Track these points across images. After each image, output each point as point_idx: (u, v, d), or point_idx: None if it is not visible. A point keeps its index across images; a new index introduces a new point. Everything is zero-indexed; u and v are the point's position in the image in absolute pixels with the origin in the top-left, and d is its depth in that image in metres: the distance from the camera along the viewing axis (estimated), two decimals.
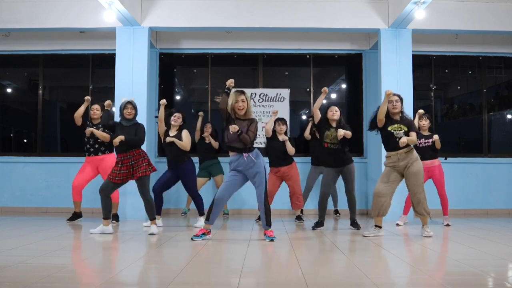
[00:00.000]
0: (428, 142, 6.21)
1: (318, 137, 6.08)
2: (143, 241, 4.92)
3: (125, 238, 5.06)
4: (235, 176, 4.86)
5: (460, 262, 3.72)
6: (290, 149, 6.38)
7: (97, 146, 6.26)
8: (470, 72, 8.70)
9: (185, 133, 6.00)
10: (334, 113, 5.69)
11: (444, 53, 8.31)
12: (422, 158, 6.18)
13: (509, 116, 8.78)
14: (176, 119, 6.02)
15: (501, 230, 5.83)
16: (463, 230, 5.80)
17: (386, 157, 5.19)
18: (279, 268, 3.77)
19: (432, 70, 8.36)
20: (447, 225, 6.16)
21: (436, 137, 6.15)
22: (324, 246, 4.62)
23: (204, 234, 4.84)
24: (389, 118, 5.13)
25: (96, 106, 6.37)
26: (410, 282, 3.22)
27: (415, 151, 5.14)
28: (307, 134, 7.08)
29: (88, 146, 6.27)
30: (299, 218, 6.60)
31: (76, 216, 6.37)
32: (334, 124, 5.70)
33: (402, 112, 5.16)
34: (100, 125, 6.21)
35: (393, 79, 7.04)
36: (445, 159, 7.87)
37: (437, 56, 8.35)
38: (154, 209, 5.37)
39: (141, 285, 3.17)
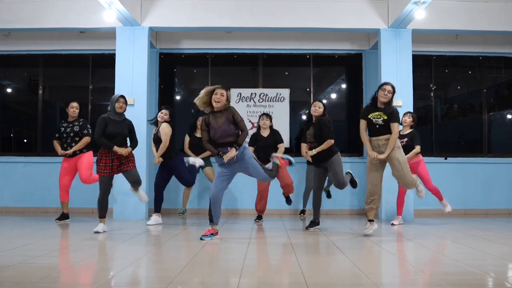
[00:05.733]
0: (403, 142, 6.11)
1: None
2: (143, 241, 4.92)
3: (125, 238, 5.06)
4: (225, 171, 4.80)
5: (460, 262, 3.72)
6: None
7: (73, 145, 6.27)
8: (470, 72, 8.70)
9: (161, 128, 6.09)
10: (317, 110, 5.65)
11: (444, 53, 8.31)
12: None
13: (509, 116, 8.79)
14: (163, 115, 6.14)
15: (501, 230, 5.83)
16: (463, 230, 5.80)
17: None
18: (279, 268, 3.77)
19: (432, 70, 8.36)
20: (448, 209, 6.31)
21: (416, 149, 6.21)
22: (324, 246, 4.62)
23: (212, 234, 4.85)
24: (374, 106, 5.15)
25: (75, 104, 6.38)
26: (410, 282, 3.22)
27: (397, 140, 5.13)
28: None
29: (65, 146, 6.31)
30: (288, 199, 6.57)
31: (64, 216, 6.38)
32: (314, 120, 5.70)
33: (389, 103, 5.13)
34: (76, 124, 6.29)
35: (393, 79, 7.00)
36: (445, 159, 7.88)
37: (437, 56, 8.35)
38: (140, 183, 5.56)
39: (141, 285, 3.17)
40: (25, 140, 9.13)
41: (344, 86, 8.71)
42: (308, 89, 8.36)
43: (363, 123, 5.19)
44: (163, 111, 6.18)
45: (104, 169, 5.29)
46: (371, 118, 5.10)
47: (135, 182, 5.46)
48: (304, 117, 8.61)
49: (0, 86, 8.74)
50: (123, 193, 6.57)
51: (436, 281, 3.12)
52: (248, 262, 3.73)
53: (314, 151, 5.56)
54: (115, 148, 5.31)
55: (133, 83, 6.99)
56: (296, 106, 8.52)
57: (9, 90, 8.95)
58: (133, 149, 5.55)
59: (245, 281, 3.07)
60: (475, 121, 8.48)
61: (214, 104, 4.74)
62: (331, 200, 7.55)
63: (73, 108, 6.36)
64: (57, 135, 6.41)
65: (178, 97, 8.80)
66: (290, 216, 7.32)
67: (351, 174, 5.89)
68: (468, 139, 8.84)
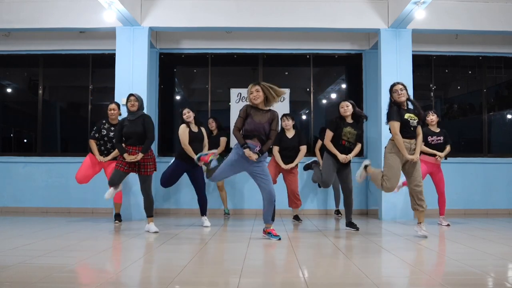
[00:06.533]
0: (440, 140, 6.24)
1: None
2: (144, 240, 4.92)
3: (126, 238, 5.06)
4: (236, 161, 4.82)
5: (460, 262, 3.72)
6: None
7: (111, 150, 6.17)
8: (470, 72, 8.70)
9: (205, 131, 6.15)
10: (346, 109, 5.62)
11: (444, 53, 8.31)
12: (434, 154, 6.21)
13: (509, 116, 8.78)
14: (189, 114, 5.99)
15: (501, 230, 5.83)
16: (463, 230, 5.80)
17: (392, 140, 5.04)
18: (279, 268, 3.77)
19: (432, 70, 8.36)
20: (448, 225, 6.15)
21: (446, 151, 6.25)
22: (324, 246, 4.62)
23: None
24: (399, 108, 5.04)
25: (113, 106, 6.26)
26: (410, 282, 3.22)
27: None
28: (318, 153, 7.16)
29: (102, 148, 6.21)
30: (296, 218, 6.60)
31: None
32: (349, 120, 5.65)
33: (408, 98, 5.09)
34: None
35: (393, 79, 6.99)
36: (445, 159, 7.87)
37: (437, 56, 8.35)
38: (153, 206, 5.45)
39: (141, 285, 3.16)
40: (25, 140, 9.13)
41: (344, 86, 8.71)
42: (308, 89, 8.36)
43: (397, 125, 4.97)
44: (184, 111, 6.01)
45: (122, 164, 5.28)
46: (408, 119, 4.99)
47: (142, 189, 5.35)
48: (304, 117, 8.61)
49: (0, 86, 8.74)
50: (123, 194, 6.57)
51: (436, 281, 3.12)
52: (248, 262, 3.73)
53: (350, 156, 5.57)
54: (125, 155, 5.26)
55: (133, 83, 6.99)
56: (296, 106, 8.52)
57: (9, 90, 8.95)
58: (146, 148, 5.28)
59: (245, 281, 3.07)
60: (475, 121, 8.48)
61: (253, 101, 4.78)
62: (331, 200, 7.59)
63: (111, 110, 6.20)
64: (96, 135, 6.16)
65: (178, 97, 8.80)
66: (289, 216, 7.31)
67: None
68: (468, 139, 8.84)
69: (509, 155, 8.19)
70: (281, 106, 8.02)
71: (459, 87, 8.97)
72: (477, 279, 3.21)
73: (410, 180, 5.06)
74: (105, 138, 6.17)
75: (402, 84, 5.11)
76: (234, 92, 8.08)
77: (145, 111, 6.84)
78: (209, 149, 6.92)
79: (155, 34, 7.96)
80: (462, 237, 5.16)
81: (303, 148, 6.54)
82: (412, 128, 5.02)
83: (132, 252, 4.33)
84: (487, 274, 3.38)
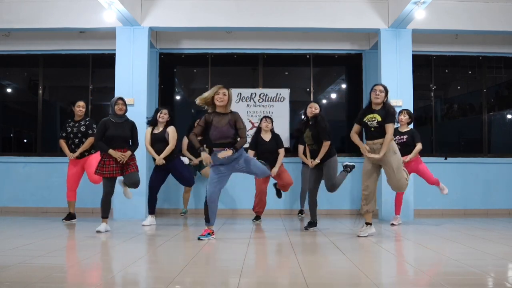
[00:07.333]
0: (403, 139, 6.18)
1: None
2: (143, 241, 4.93)
3: (125, 238, 5.06)
4: (220, 171, 4.78)
5: (460, 262, 3.72)
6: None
7: (80, 145, 6.23)
8: (470, 72, 8.70)
9: (171, 131, 6.04)
10: (313, 111, 5.65)
11: (444, 53, 8.31)
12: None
13: (509, 116, 8.79)
14: (163, 115, 6.08)
15: (501, 230, 5.83)
16: (463, 230, 5.81)
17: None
18: (279, 268, 3.77)
19: (432, 70, 8.36)
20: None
21: (418, 148, 6.17)
22: (324, 246, 4.62)
23: (209, 234, 4.83)
24: (369, 109, 5.08)
25: (82, 104, 6.33)
26: (410, 282, 3.22)
27: (393, 143, 5.05)
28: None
29: (73, 146, 6.27)
30: (279, 192, 6.61)
31: (71, 216, 6.36)
32: (311, 121, 5.69)
33: (384, 103, 5.03)
34: (83, 124, 6.25)
35: (393, 79, 7.05)
36: (445, 159, 7.88)
37: (437, 56, 8.35)
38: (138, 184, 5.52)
39: (141, 285, 3.17)
40: (25, 140, 9.13)
41: (344, 86, 8.72)
42: (308, 89, 8.36)
43: (356, 127, 5.16)
44: (162, 111, 6.10)
45: (107, 170, 5.32)
46: (366, 121, 5.01)
47: (133, 184, 5.45)
48: (303, 116, 8.61)
49: (0, 86, 8.74)
50: (122, 194, 6.56)
51: (436, 281, 3.12)
52: (248, 262, 3.73)
53: (317, 160, 5.53)
54: (110, 151, 5.31)
55: (133, 83, 6.99)
56: (296, 106, 8.51)
57: (9, 90, 8.95)
58: (133, 151, 5.49)
59: (245, 281, 3.07)
60: (475, 121, 8.48)
61: (217, 103, 4.74)
62: (330, 200, 7.58)
63: (80, 107, 6.29)
64: (63, 134, 6.31)
65: (178, 97, 8.81)
66: (288, 216, 7.32)
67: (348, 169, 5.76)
68: (468, 139, 8.84)
69: (509, 155, 8.19)
70: (281, 106, 8.04)
71: (459, 87, 8.97)
72: (477, 279, 3.21)
73: (389, 179, 5.05)
74: (71, 135, 6.26)
75: (384, 87, 5.07)
76: (234, 92, 8.05)
77: (145, 111, 6.92)
78: (192, 154, 6.97)
79: (155, 34, 7.96)
80: (462, 237, 5.16)
81: (281, 151, 6.46)
82: (372, 129, 4.98)
83: (132, 252, 4.32)
84: (487, 274, 3.38)
